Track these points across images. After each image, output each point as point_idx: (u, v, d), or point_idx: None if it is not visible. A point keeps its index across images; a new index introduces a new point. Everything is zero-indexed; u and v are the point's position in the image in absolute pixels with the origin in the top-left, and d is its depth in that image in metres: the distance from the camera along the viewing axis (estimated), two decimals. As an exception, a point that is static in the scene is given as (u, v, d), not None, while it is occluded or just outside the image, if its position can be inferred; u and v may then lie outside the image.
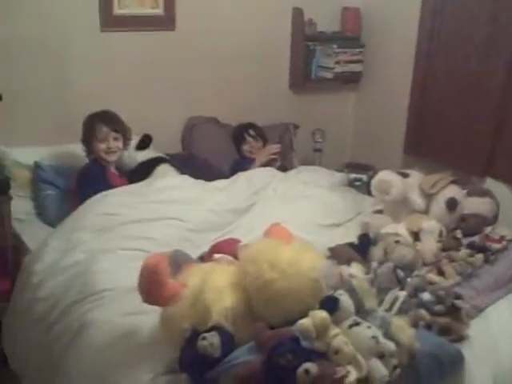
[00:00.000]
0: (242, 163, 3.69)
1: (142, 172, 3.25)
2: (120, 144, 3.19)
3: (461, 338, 2.06)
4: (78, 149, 3.38)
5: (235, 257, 2.07)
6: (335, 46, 4.24)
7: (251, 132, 3.79)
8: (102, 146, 3.13)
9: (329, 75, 4.29)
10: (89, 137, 3.16)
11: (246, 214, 2.99)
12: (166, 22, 3.66)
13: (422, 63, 4.02)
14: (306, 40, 4.19)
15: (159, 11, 3.63)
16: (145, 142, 3.45)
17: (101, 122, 3.14)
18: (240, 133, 3.82)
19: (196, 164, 3.62)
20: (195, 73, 3.79)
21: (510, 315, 2.31)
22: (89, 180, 3.06)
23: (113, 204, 2.81)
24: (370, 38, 4.41)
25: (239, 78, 3.96)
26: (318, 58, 4.26)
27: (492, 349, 2.10)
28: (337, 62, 4.28)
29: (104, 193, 2.90)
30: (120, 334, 2.05)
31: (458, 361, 1.91)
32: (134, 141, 3.40)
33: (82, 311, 2.21)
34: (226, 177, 3.38)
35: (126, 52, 3.55)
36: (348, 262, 2.35)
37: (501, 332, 2.19)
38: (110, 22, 3.47)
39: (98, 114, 3.19)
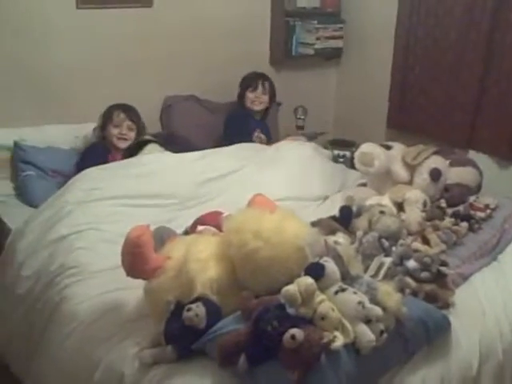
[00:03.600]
0: (241, 118, 3.68)
1: (131, 154, 3.23)
2: (132, 135, 3.27)
3: (447, 305, 2.07)
4: (57, 129, 3.37)
5: (219, 228, 2.05)
6: (315, 22, 4.21)
7: (266, 85, 3.75)
8: (115, 130, 3.24)
9: (310, 51, 4.26)
10: (105, 121, 3.27)
11: (230, 187, 2.96)
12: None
13: (402, 37, 4.01)
14: (286, 16, 4.15)
15: (136, -13, 3.56)
16: None
17: (119, 109, 3.28)
18: (254, 80, 3.75)
19: (176, 142, 3.57)
20: (173, 50, 3.72)
21: (495, 282, 2.32)
22: (91, 157, 3.12)
23: (97, 179, 2.78)
24: (350, 14, 4.38)
25: (219, 55, 3.90)
26: (299, 34, 4.23)
27: (478, 315, 2.10)
28: (317, 38, 4.24)
29: (89, 169, 2.88)
30: (104, 309, 2.03)
31: (444, 326, 1.91)
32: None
33: (62, 285, 2.18)
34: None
35: (102, 30, 3.47)
36: (332, 233, 2.34)
37: (486, 299, 2.20)
38: (86, -1, 3.40)
39: (120, 104, 3.32)
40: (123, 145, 3.27)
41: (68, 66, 3.39)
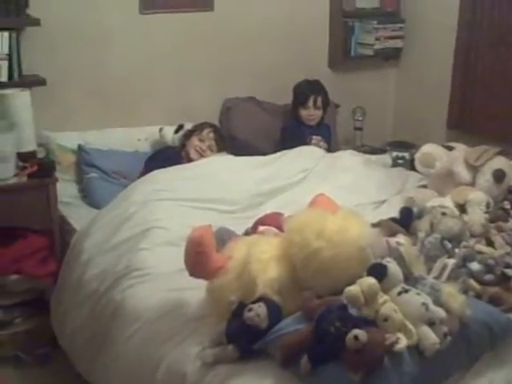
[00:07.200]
0: (294, 129, 3.67)
1: None
2: (209, 155, 3.34)
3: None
4: (119, 132, 3.47)
5: (280, 229, 2.06)
6: (375, 22, 4.17)
7: (318, 102, 3.67)
8: (198, 143, 3.36)
9: (369, 52, 4.22)
10: (193, 131, 3.41)
11: (289, 191, 2.99)
12: (204, 2, 3.63)
13: (464, 36, 3.93)
14: (344, 16, 4.14)
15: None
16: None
17: (212, 128, 3.44)
18: (304, 96, 3.67)
19: (236, 145, 3.61)
20: (233, 53, 3.77)
21: None
22: (163, 158, 3.25)
23: (162, 180, 2.86)
24: (409, 13, 4.32)
25: (278, 57, 3.91)
26: (358, 35, 4.20)
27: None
28: (377, 39, 4.19)
29: (155, 171, 2.96)
30: (166, 309, 2.07)
31: (509, 330, 1.86)
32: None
33: (126, 285, 2.24)
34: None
35: (165, 34, 3.54)
36: (392, 235, 2.32)
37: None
38: (149, 4, 3.46)
39: (216, 126, 3.55)
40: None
41: (130, 70, 3.48)
